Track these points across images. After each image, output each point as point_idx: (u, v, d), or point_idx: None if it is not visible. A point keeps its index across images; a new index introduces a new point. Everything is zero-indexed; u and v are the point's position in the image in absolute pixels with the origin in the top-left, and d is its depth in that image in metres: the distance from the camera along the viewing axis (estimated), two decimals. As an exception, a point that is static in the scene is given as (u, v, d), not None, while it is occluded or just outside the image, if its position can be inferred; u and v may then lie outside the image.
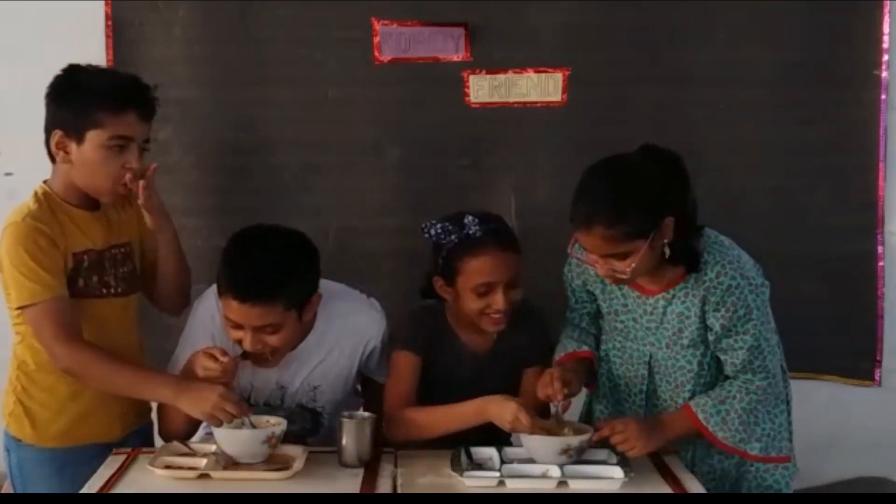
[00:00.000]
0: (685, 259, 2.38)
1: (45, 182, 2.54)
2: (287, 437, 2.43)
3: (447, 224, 2.51)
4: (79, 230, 2.50)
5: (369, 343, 2.65)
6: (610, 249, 2.32)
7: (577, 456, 2.35)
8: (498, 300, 2.49)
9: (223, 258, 2.48)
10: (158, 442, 2.63)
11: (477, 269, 2.48)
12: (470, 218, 2.50)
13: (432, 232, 2.52)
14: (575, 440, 2.34)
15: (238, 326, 2.46)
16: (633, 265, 2.31)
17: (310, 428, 2.66)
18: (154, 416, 2.68)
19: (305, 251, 2.51)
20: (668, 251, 2.34)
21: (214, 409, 2.32)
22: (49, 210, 2.47)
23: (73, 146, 2.45)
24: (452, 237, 2.49)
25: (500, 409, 2.39)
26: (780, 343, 2.58)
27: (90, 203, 2.53)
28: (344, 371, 2.65)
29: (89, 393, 2.52)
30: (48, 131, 2.49)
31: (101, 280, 2.52)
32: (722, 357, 2.43)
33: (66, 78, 2.52)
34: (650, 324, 2.47)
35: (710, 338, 2.41)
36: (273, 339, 2.47)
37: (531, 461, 2.37)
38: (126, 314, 2.62)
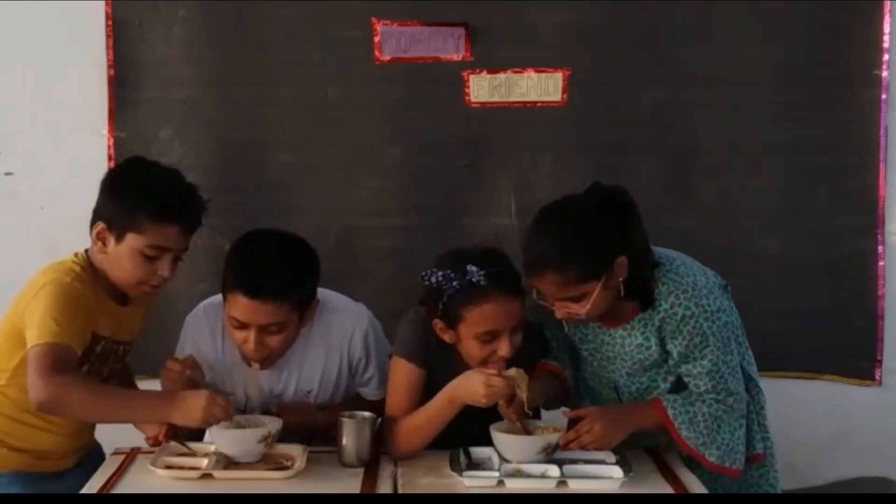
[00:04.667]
0: (638, 294, 2.39)
1: (86, 252, 2.48)
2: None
3: (448, 272, 2.38)
4: (104, 317, 2.46)
5: (355, 334, 2.62)
6: (563, 294, 2.33)
7: (553, 453, 2.35)
8: (503, 346, 2.41)
9: (231, 258, 2.47)
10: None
11: (481, 317, 2.38)
12: (473, 268, 2.36)
13: (433, 280, 2.39)
14: (553, 437, 2.34)
15: (243, 326, 2.46)
16: (588, 307, 2.33)
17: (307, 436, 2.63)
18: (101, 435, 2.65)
19: (311, 256, 2.51)
20: (622, 289, 2.34)
21: (208, 414, 2.30)
22: (89, 284, 2.42)
23: (111, 241, 2.41)
24: (454, 283, 2.37)
25: (469, 387, 2.35)
26: (750, 351, 2.58)
27: (118, 294, 2.49)
28: (333, 371, 2.64)
29: (49, 438, 2.47)
30: (94, 218, 2.45)
31: (99, 371, 2.48)
32: (685, 380, 2.45)
33: (123, 171, 2.50)
34: (610, 353, 2.49)
35: (670, 362, 2.43)
36: (274, 340, 2.47)
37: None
38: None
